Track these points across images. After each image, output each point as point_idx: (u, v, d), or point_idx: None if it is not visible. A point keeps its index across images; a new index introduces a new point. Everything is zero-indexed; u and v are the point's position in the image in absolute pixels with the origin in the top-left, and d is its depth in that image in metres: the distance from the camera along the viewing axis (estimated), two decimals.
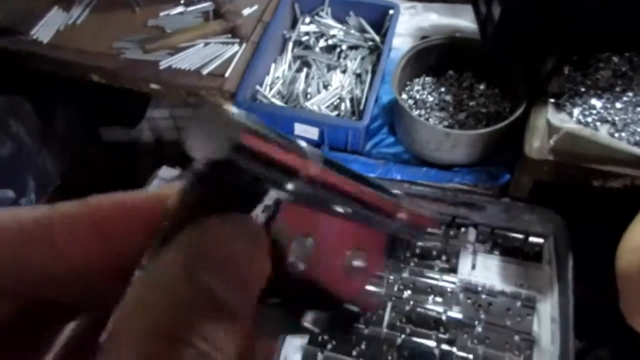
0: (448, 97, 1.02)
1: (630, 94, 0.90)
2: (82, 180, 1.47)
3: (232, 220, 0.17)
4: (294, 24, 1.15)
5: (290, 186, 0.18)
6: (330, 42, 1.11)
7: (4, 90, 1.19)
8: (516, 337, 0.86)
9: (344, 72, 1.08)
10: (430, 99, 1.02)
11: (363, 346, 0.88)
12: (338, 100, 1.04)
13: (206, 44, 1.07)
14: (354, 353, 0.87)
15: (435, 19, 1.15)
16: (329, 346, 0.88)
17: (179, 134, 1.82)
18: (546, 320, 0.87)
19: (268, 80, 1.08)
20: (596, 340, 1.12)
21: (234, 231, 0.17)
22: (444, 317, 0.90)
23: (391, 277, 0.95)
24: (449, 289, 0.93)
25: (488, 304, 0.90)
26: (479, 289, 0.92)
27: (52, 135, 1.28)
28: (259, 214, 0.19)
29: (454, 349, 0.86)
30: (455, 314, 0.90)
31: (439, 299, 0.92)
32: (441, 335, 0.88)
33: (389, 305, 0.92)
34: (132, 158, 1.78)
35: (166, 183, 1.19)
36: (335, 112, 1.03)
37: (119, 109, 1.59)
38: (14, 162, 1.14)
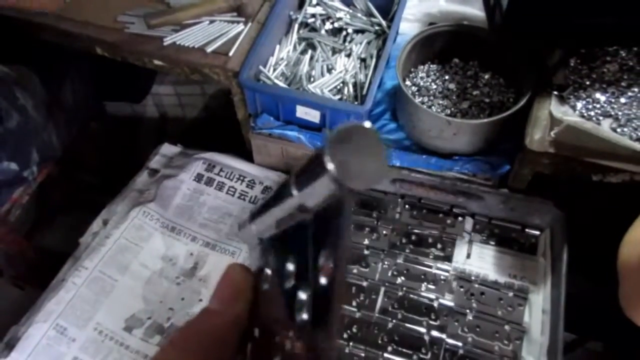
0: (452, 85, 1.01)
1: (636, 89, 0.89)
2: (84, 153, 1.48)
3: None
4: (300, 5, 1.14)
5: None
6: (336, 25, 1.10)
7: (12, 62, 1.18)
8: (506, 327, 0.87)
9: (348, 55, 1.08)
10: (434, 86, 1.01)
11: (354, 329, 0.89)
12: (341, 84, 1.04)
13: (211, 22, 1.07)
14: (345, 336, 0.88)
15: (444, 5, 1.14)
16: None
17: (183, 111, 1.83)
18: (537, 312, 0.87)
19: (272, 60, 1.07)
20: (588, 333, 1.12)
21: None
22: (435, 304, 0.90)
23: (386, 263, 0.96)
24: (442, 277, 0.93)
25: (480, 293, 0.91)
26: (473, 278, 0.93)
27: (58, 109, 1.28)
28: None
29: (444, 336, 0.87)
30: (447, 301, 0.91)
31: (432, 286, 0.93)
32: (432, 322, 0.89)
33: (382, 290, 0.93)
34: (135, 133, 1.78)
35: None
36: (338, 96, 1.03)
37: (124, 83, 1.59)
38: (19, 134, 1.14)
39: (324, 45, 1.08)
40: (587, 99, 0.88)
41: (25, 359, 0.88)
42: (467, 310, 0.89)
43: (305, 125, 1.02)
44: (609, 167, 0.84)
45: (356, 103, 1.00)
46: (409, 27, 1.12)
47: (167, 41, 1.04)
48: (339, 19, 1.09)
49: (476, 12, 1.10)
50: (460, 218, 1.00)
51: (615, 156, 0.83)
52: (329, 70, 1.05)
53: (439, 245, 0.97)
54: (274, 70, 1.05)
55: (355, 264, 0.95)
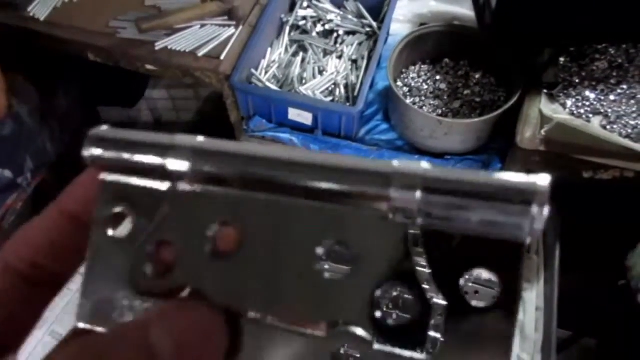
0: (443, 85, 1.02)
1: (625, 86, 0.90)
2: (78, 159, 1.48)
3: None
4: (291, 8, 1.15)
5: None
6: (327, 27, 1.10)
7: (5, 69, 1.18)
8: None
9: (340, 57, 1.08)
10: (425, 86, 1.02)
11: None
12: (333, 86, 1.04)
13: (203, 26, 1.07)
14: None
15: (434, 5, 1.15)
16: None
17: (177, 114, 1.83)
18: (531, 309, 0.88)
19: (264, 63, 1.07)
20: (582, 330, 1.13)
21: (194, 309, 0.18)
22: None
23: None
24: None
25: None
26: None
27: (52, 115, 1.28)
28: None
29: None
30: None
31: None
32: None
33: None
34: None
35: None
36: (330, 98, 1.03)
37: (118, 88, 1.59)
38: (14, 142, 1.14)
39: (315, 47, 1.08)
40: (577, 97, 0.89)
41: None
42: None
43: (297, 127, 1.02)
44: (600, 164, 0.84)
45: (348, 104, 1.01)
46: (399, 27, 1.13)
47: (159, 45, 1.04)
48: (330, 21, 1.10)
49: (466, 12, 1.10)
50: None
51: (605, 153, 0.83)
52: (321, 72, 1.06)
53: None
54: (266, 72, 1.06)
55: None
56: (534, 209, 0.15)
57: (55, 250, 0.21)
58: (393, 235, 0.17)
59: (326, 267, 0.18)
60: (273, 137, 1.03)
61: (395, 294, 0.17)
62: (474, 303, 0.17)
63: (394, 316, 0.17)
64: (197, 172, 0.19)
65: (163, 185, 0.19)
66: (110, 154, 0.20)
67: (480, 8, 0.98)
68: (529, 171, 0.92)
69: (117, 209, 0.20)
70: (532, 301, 0.89)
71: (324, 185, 0.18)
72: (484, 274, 0.17)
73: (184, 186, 0.19)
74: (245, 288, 0.19)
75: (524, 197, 0.15)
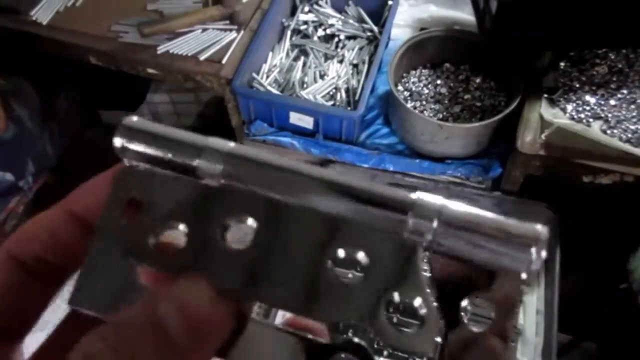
0: (443, 90, 1.02)
1: (625, 91, 0.90)
2: (79, 162, 1.48)
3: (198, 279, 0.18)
4: (293, 12, 1.15)
5: None
6: (328, 31, 1.11)
7: (7, 72, 1.19)
8: None
9: (341, 61, 1.09)
10: (426, 91, 1.02)
11: (350, 333, 0.89)
12: (334, 90, 1.04)
13: (204, 30, 1.07)
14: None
15: (435, 10, 1.15)
16: None
17: (178, 118, 1.83)
18: (531, 312, 0.88)
19: (265, 67, 1.08)
20: (582, 334, 1.13)
21: (201, 287, 0.18)
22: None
23: None
24: None
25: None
26: None
27: (53, 119, 1.28)
28: None
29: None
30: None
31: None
32: None
33: None
34: None
35: None
36: (331, 102, 1.03)
37: (119, 92, 1.59)
38: (15, 145, 1.14)
39: (316, 51, 1.09)
40: (577, 102, 0.89)
41: None
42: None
43: (298, 131, 1.02)
44: (600, 168, 0.85)
45: (349, 108, 1.01)
46: (400, 32, 1.13)
47: (161, 50, 1.04)
48: (331, 25, 1.10)
49: (466, 16, 1.11)
50: None
51: (605, 157, 0.84)
52: (322, 77, 1.06)
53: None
54: (267, 77, 1.06)
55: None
56: (534, 252, 0.17)
57: (58, 247, 0.21)
58: (403, 250, 0.19)
59: (335, 271, 0.19)
60: (274, 141, 1.03)
61: (398, 305, 0.19)
62: (472, 327, 0.19)
63: (395, 328, 0.18)
64: (227, 174, 0.19)
65: (186, 179, 0.20)
66: (141, 147, 0.20)
67: (481, 13, 0.99)
68: (529, 176, 0.92)
69: (134, 194, 0.20)
70: (533, 304, 0.89)
71: (346, 207, 0.19)
72: (483, 300, 0.19)
73: (208, 181, 0.20)
74: (251, 281, 0.19)
75: (526, 241, 0.18)
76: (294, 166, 0.20)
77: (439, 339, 0.18)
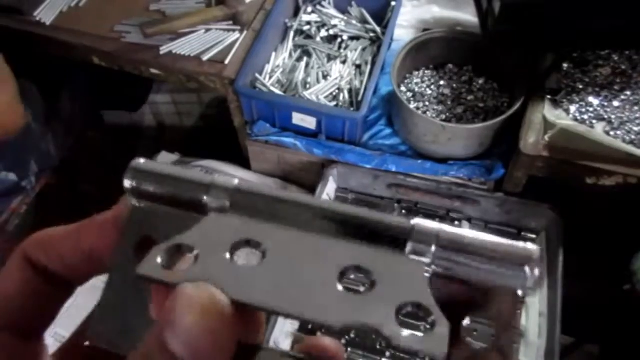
0: (446, 91, 1.02)
1: (629, 92, 0.90)
2: (81, 163, 1.48)
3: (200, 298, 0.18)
4: (296, 13, 1.15)
5: None
6: (331, 32, 1.11)
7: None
8: None
9: (344, 62, 1.09)
10: (429, 92, 1.02)
11: (352, 334, 0.89)
12: (337, 91, 1.04)
13: (207, 30, 1.07)
14: (343, 341, 0.88)
15: (437, 11, 1.15)
16: (319, 334, 0.89)
17: (180, 119, 1.83)
18: (534, 315, 0.88)
19: (268, 68, 1.08)
20: (585, 336, 1.12)
21: (202, 308, 0.18)
22: None
23: None
24: None
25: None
26: None
27: (57, 119, 1.29)
28: None
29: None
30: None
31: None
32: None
33: None
34: (133, 142, 1.79)
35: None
36: (334, 103, 1.03)
37: (122, 93, 1.60)
38: (19, 145, 1.14)
39: (319, 52, 1.09)
40: (581, 103, 0.89)
41: None
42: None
43: (301, 132, 1.02)
44: (603, 169, 0.84)
45: (352, 109, 1.01)
46: (403, 33, 1.13)
47: (164, 50, 1.04)
48: (334, 26, 1.10)
49: (469, 17, 1.10)
50: (456, 222, 1.00)
51: (608, 159, 0.83)
52: (325, 77, 1.06)
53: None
54: (270, 77, 1.06)
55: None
56: (527, 271, 0.19)
57: (75, 261, 0.22)
58: (409, 268, 0.20)
59: (343, 285, 0.20)
60: (277, 142, 1.03)
61: (407, 311, 0.20)
62: (473, 344, 0.20)
63: (407, 330, 0.19)
64: (235, 208, 0.21)
65: (194, 214, 0.21)
66: (151, 188, 0.22)
67: (484, 14, 0.99)
68: (532, 177, 0.92)
69: (145, 233, 0.21)
70: (536, 307, 0.89)
71: (347, 234, 0.20)
72: (483, 318, 0.20)
73: (215, 215, 0.21)
74: (261, 292, 0.19)
75: (520, 260, 0.19)
76: (296, 198, 0.21)
77: (447, 340, 0.19)
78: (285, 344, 0.87)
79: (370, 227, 0.20)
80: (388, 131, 1.03)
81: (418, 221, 0.20)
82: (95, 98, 1.48)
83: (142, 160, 0.22)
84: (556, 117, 0.86)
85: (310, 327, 0.89)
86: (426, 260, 0.19)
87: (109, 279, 0.21)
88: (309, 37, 1.12)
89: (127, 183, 0.22)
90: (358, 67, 1.08)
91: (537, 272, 0.19)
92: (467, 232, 0.19)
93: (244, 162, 1.16)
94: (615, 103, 0.89)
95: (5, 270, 0.21)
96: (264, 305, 0.19)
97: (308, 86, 1.04)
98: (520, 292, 0.19)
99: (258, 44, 1.04)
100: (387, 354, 0.87)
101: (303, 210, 0.21)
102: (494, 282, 0.19)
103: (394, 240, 0.20)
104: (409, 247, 0.19)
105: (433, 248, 0.19)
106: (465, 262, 0.19)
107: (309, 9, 1.13)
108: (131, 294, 0.21)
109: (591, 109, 0.88)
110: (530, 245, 0.19)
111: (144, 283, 0.20)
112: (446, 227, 0.19)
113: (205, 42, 1.06)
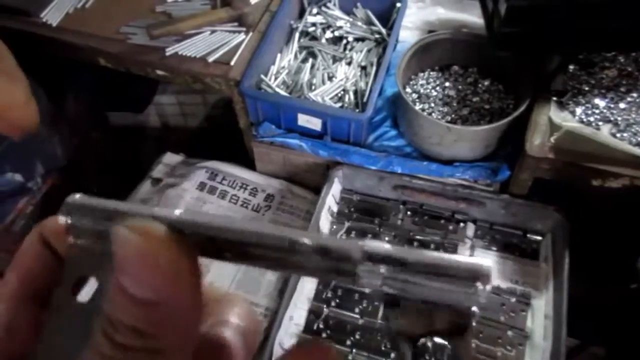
0: (452, 92, 1.02)
1: (635, 94, 0.90)
2: (86, 163, 1.49)
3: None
4: (301, 14, 1.15)
5: None
6: (336, 33, 1.11)
7: None
8: (509, 333, 0.87)
9: (349, 64, 1.09)
10: (434, 93, 1.02)
11: (357, 336, 0.89)
12: (342, 92, 1.04)
13: (213, 32, 1.08)
14: (348, 342, 0.88)
15: (443, 13, 1.15)
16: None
17: (185, 120, 1.84)
18: (540, 317, 0.88)
19: (273, 69, 1.08)
20: (591, 338, 1.12)
21: (137, 238, 0.18)
22: None
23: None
24: None
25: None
26: None
27: (62, 120, 1.29)
28: None
29: (447, 342, 0.87)
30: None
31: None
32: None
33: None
34: (138, 143, 1.79)
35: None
36: (339, 104, 1.03)
37: (127, 94, 1.60)
38: (25, 147, 1.15)
39: (324, 53, 1.09)
40: (587, 105, 0.89)
41: None
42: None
43: (306, 133, 1.03)
44: (609, 172, 0.84)
45: (357, 110, 1.01)
46: (408, 34, 1.13)
47: (169, 51, 1.05)
48: (339, 27, 1.11)
49: (475, 19, 1.10)
50: (462, 224, 1.00)
51: (614, 161, 0.83)
52: (330, 78, 1.06)
53: (440, 252, 0.97)
54: (275, 78, 1.06)
55: None
56: (479, 287, 0.18)
57: None
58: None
59: None
60: (282, 143, 1.03)
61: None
62: None
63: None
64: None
65: None
66: (87, 223, 0.21)
67: (490, 15, 0.99)
68: (538, 179, 0.92)
69: (84, 272, 0.21)
70: (541, 309, 0.89)
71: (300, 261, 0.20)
72: (438, 337, 0.20)
73: None
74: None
75: (471, 276, 0.19)
76: (241, 226, 0.21)
77: None
78: (290, 345, 0.87)
79: (322, 253, 0.20)
80: (393, 132, 1.03)
81: (367, 242, 0.19)
82: (100, 99, 1.49)
83: (77, 196, 0.21)
84: (562, 119, 0.86)
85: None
86: (377, 282, 0.19)
87: (49, 318, 0.21)
88: (314, 38, 1.12)
89: (62, 220, 0.21)
90: (363, 68, 1.08)
91: (488, 287, 0.19)
92: (417, 252, 0.19)
93: (249, 163, 1.17)
94: (622, 105, 0.89)
95: (24, 247, 0.22)
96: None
97: (313, 87, 1.04)
98: (475, 309, 0.19)
99: (263, 45, 1.04)
100: (392, 355, 0.87)
101: (252, 237, 0.20)
102: (447, 300, 0.19)
103: (345, 263, 0.19)
104: (360, 272, 0.19)
105: (382, 269, 0.19)
106: (417, 282, 0.19)
107: (314, 11, 1.14)
108: (74, 336, 0.20)
109: (597, 111, 0.88)
110: (482, 260, 0.19)
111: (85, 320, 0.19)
112: (396, 248, 0.19)
113: (211, 43, 1.06)
